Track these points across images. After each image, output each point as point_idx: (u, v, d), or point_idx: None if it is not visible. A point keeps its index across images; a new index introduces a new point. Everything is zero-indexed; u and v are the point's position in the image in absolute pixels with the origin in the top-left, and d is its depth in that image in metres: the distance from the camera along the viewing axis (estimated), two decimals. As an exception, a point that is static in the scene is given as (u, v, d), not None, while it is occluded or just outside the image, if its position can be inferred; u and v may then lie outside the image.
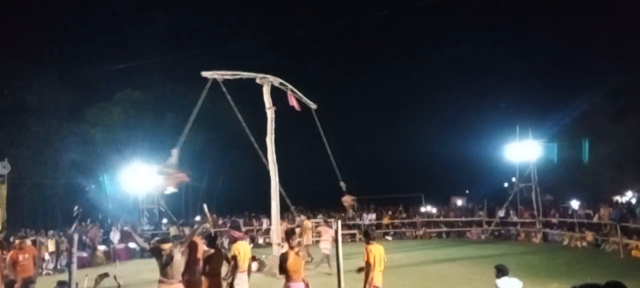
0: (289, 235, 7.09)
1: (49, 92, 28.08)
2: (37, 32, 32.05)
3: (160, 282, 6.94)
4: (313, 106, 16.80)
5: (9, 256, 10.33)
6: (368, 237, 7.59)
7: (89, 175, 29.10)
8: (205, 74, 15.02)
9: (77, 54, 35.73)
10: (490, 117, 35.21)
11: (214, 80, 14.89)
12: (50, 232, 19.78)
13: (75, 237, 7.94)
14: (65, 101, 29.60)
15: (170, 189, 13.49)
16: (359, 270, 7.48)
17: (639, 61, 26.33)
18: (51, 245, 18.30)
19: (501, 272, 6.95)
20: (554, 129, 27.13)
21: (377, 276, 7.17)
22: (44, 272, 17.47)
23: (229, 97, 15.13)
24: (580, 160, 27.64)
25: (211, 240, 7.98)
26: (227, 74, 15.42)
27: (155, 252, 7.12)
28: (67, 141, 28.99)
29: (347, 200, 16.81)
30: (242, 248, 7.73)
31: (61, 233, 19.94)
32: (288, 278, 6.54)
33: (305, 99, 16.45)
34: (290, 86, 15.96)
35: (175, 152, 13.77)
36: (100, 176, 28.40)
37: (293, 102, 16.04)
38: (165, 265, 6.87)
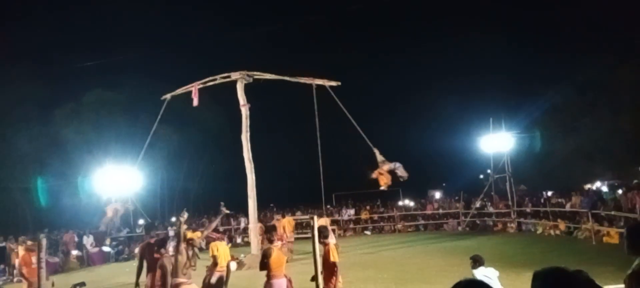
0: (269, 231, 6.97)
1: (15, 93, 27.17)
2: (2, 29, 31.08)
3: (179, 285, 6.44)
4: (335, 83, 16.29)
5: (20, 257, 9.75)
6: (323, 235, 6.93)
7: (60, 178, 28.31)
8: (166, 96, 16.76)
9: (45, 52, 34.83)
10: (464, 110, 35.75)
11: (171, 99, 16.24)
12: (21, 238, 19.15)
13: (44, 241, 7.69)
14: (34, 102, 28.73)
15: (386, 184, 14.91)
16: (313, 278, 6.52)
17: (606, 55, 27.01)
18: (21, 251, 17.73)
19: (477, 262, 7.02)
20: (527, 121, 27.68)
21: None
22: (15, 279, 16.96)
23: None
24: (551, 150, 28.31)
25: (161, 245, 7.70)
26: (189, 88, 16.63)
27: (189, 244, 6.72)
28: (36, 143, 28.13)
29: (113, 206, 16.52)
30: (221, 248, 7.63)
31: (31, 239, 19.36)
32: (270, 275, 6.44)
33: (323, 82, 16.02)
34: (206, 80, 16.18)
35: (377, 151, 15.25)
36: (73, 179, 27.70)
37: (195, 96, 16.20)
38: (189, 260, 6.53)
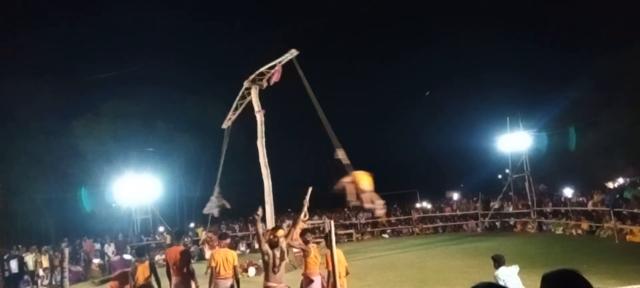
0: (304, 233, 7.32)
1: (35, 106, 27.80)
2: (21, 43, 31.80)
3: None
4: (294, 53, 14.64)
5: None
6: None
7: (80, 188, 28.84)
8: (226, 125, 17.24)
9: (63, 65, 35.52)
10: (481, 110, 35.34)
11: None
12: (44, 248, 19.55)
13: (67, 251, 7.87)
14: (53, 114, 29.33)
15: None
16: None
17: (624, 48, 26.54)
18: (45, 261, 18.11)
19: (497, 262, 7.01)
20: (545, 119, 27.32)
21: (342, 282, 6.99)
22: (39, 288, 17.30)
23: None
24: (570, 148, 27.88)
25: (140, 252, 7.91)
26: (232, 115, 17.00)
27: (271, 245, 6.25)
28: (56, 155, 28.70)
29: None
30: (219, 256, 7.52)
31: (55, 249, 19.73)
32: (308, 273, 7.00)
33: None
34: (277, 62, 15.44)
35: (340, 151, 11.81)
36: (93, 188, 28.17)
37: (276, 74, 15.22)
38: (275, 262, 6.19)
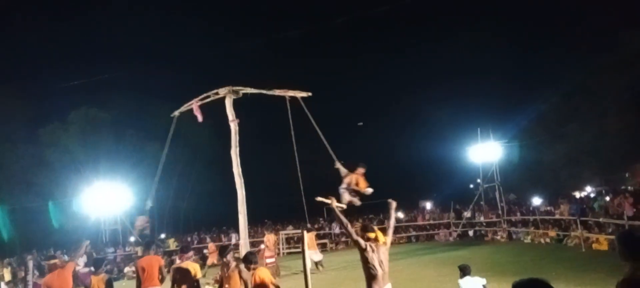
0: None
1: (0, 112, 26.86)
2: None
3: None
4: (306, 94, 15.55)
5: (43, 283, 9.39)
6: (249, 262, 6.38)
7: (47, 198, 27.90)
8: (175, 113, 16.14)
9: (29, 71, 34.55)
10: (452, 121, 35.95)
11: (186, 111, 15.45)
12: (6, 260, 18.82)
13: (30, 263, 7.58)
14: (18, 122, 28.39)
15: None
16: None
17: (591, 60, 27.43)
18: (7, 274, 17.43)
19: (463, 271, 7.19)
20: (514, 130, 27.97)
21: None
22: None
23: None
24: (539, 158, 28.59)
25: (97, 264, 7.85)
26: (191, 104, 15.97)
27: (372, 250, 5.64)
28: (22, 163, 27.76)
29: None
30: (180, 271, 7.42)
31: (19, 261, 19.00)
32: None
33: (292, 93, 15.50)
34: (200, 97, 15.74)
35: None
36: (61, 199, 27.30)
37: (197, 112, 15.74)
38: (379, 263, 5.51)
